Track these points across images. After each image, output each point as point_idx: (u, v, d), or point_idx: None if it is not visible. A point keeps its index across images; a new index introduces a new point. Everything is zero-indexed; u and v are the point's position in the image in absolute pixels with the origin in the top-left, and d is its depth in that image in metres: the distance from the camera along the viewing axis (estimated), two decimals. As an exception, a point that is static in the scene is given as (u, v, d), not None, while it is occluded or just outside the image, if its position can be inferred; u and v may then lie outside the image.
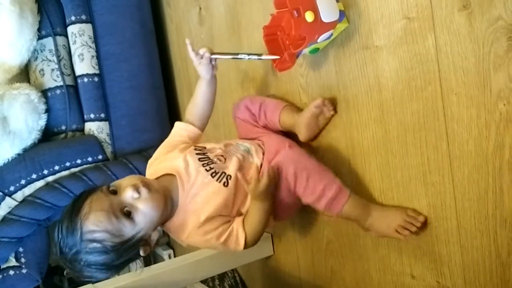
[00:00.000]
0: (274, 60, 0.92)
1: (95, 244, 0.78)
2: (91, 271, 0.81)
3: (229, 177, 0.92)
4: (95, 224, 0.78)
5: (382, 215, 0.85)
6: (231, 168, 0.93)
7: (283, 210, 0.94)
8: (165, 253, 1.98)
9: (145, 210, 0.82)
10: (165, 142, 1.04)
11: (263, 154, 0.99)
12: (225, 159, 0.96)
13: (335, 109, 0.95)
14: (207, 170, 0.92)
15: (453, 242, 0.77)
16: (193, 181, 0.90)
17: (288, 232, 1.20)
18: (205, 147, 0.99)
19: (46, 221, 1.49)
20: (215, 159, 0.95)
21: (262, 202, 0.88)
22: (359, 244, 0.97)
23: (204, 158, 0.95)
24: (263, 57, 0.91)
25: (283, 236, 1.23)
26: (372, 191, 0.91)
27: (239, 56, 0.97)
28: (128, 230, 0.81)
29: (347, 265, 1.02)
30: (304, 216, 1.10)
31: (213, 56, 0.99)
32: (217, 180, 0.91)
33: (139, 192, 0.82)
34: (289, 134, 1.05)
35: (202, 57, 0.99)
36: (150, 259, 2.05)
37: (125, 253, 0.81)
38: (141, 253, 0.84)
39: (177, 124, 1.07)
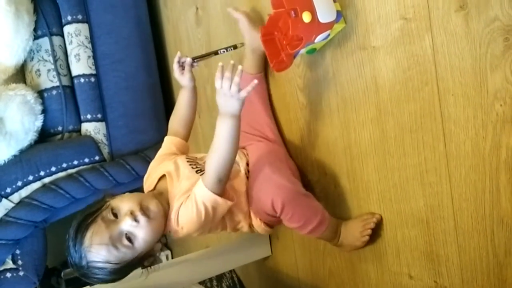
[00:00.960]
0: (271, 61, 0.92)
1: (99, 270, 0.85)
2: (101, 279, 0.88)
3: None
4: (97, 257, 0.84)
5: (346, 229, 0.94)
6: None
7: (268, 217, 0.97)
8: (162, 254, 1.98)
9: (144, 237, 0.85)
10: (156, 156, 1.07)
11: (247, 163, 1.00)
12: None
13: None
14: (193, 168, 0.96)
15: (451, 242, 0.77)
16: (181, 178, 0.93)
17: (286, 232, 1.19)
18: (196, 157, 1.03)
19: (43, 223, 1.48)
20: (203, 164, 0.97)
21: (227, 117, 0.83)
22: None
23: (193, 162, 0.99)
24: (238, 46, 0.98)
25: (281, 237, 1.23)
26: (370, 192, 0.91)
27: (219, 53, 1.02)
28: (129, 255, 0.85)
29: (345, 266, 1.02)
30: (302, 216, 1.09)
31: (195, 62, 1.01)
32: (200, 173, 0.94)
33: (137, 221, 0.84)
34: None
35: (183, 66, 1.01)
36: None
37: (128, 268, 0.88)
38: (146, 263, 0.90)
39: (166, 138, 1.09)
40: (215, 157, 0.84)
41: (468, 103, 0.70)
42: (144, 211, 0.85)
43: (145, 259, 0.89)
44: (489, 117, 0.68)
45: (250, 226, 1.00)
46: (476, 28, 0.67)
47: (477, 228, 0.73)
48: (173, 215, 0.89)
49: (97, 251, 0.83)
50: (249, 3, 1.19)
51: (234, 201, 0.90)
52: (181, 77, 1.02)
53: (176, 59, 1.01)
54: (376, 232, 0.91)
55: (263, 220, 0.98)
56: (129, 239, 0.84)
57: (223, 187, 0.87)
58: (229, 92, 0.81)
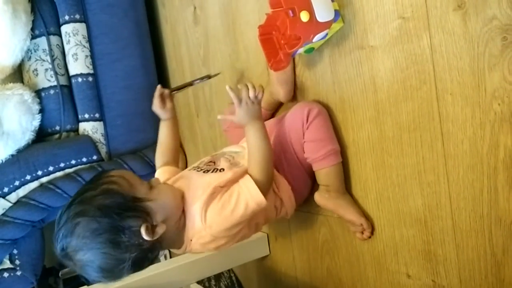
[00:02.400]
0: (269, 60, 0.92)
1: (108, 185, 0.79)
2: (87, 224, 0.75)
3: (222, 170, 0.94)
4: (116, 172, 0.83)
5: (345, 204, 0.93)
6: (222, 164, 0.96)
7: (295, 173, 0.97)
8: (160, 253, 1.98)
9: (163, 188, 0.87)
10: None
11: None
12: (214, 162, 0.98)
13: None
14: (198, 171, 0.95)
15: (449, 241, 0.78)
16: (192, 184, 0.91)
17: (284, 232, 1.19)
18: (196, 166, 1.01)
19: (41, 223, 1.48)
20: (205, 167, 0.96)
21: (253, 122, 0.88)
22: (355, 244, 0.97)
23: (196, 168, 0.98)
24: (212, 76, 1.00)
25: (279, 236, 1.23)
26: (368, 191, 0.91)
27: (193, 84, 1.06)
28: (143, 190, 0.83)
29: (343, 265, 1.02)
30: (300, 215, 1.10)
31: (173, 93, 1.02)
32: (210, 173, 0.93)
33: (161, 182, 0.89)
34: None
35: (164, 100, 1.04)
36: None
37: (130, 210, 0.78)
38: (143, 230, 0.77)
39: (157, 172, 1.07)
40: (257, 158, 0.88)
41: (466, 102, 0.70)
42: None
43: (144, 217, 0.79)
44: (487, 116, 0.68)
45: (276, 198, 0.97)
46: (474, 27, 0.67)
47: (475, 227, 0.73)
48: (197, 213, 0.84)
49: (120, 171, 0.84)
50: (248, 4, 1.19)
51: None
52: (161, 111, 1.05)
53: (157, 93, 1.03)
54: (374, 232, 0.91)
55: (291, 178, 0.97)
56: (151, 186, 0.85)
57: (269, 188, 0.90)
58: (250, 100, 0.88)
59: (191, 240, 0.87)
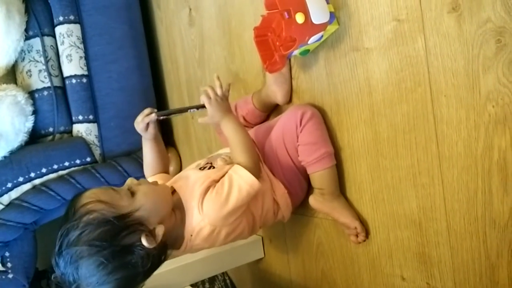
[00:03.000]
0: (265, 62, 0.92)
1: (88, 216, 0.73)
2: (89, 263, 0.72)
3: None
4: (88, 197, 0.76)
5: (339, 206, 0.93)
6: (218, 163, 0.96)
7: (290, 176, 0.97)
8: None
9: (145, 189, 0.82)
10: None
11: None
12: (211, 163, 0.98)
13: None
14: (195, 170, 0.95)
15: (443, 243, 0.78)
16: (190, 180, 0.91)
17: (279, 234, 1.19)
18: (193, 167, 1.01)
19: (33, 225, 1.46)
20: (202, 166, 0.97)
21: (225, 117, 0.92)
22: (349, 246, 0.97)
23: (193, 168, 0.98)
24: (202, 109, 0.95)
25: (273, 239, 1.23)
26: (363, 193, 0.91)
27: (182, 113, 1.05)
28: (125, 204, 0.78)
29: (338, 268, 1.01)
30: (295, 218, 1.09)
31: (160, 118, 0.99)
32: (206, 169, 0.94)
33: (139, 181, 0.85)
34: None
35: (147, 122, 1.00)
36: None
37: (123, 231, 0.75)
38: (144, 241, 0.75)
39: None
40: (239, 145, 0.91)
41: (461, 104, 0.70)
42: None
43: (140, 229, 0.77)
44: (481, 118, 0.68)
45: (274, 203, 0.97)
46: (469, 29, 0.67)
47: (469, 229, 0.73)
48: (195, 206, 0.84)
49: (92, 191, 0.77)
50: (244, 5, 1.19)
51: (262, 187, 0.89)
52: (143, 133, 1.02)
53: (142, 116, 1.01)
54: (368, 234, 0.91)
55: (287, 181, 0.97)
56: (132, 192, 0.80)
57: (258, 172, 0.90)
58: (218, 97, 0.92)
59: (191, 236, 0.86)
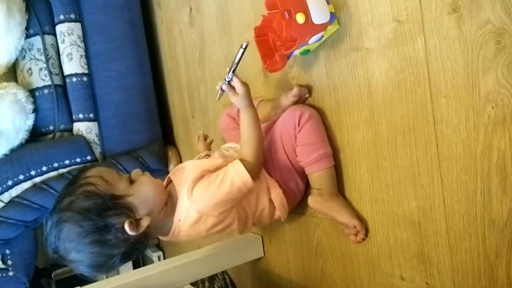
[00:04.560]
0: (265, 62, 0.92)
1: (85, 187, 0.79)
2: (72, 228, 0.77)
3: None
4: (92, 171, 0.83)
5: (338, 205, 0.93)
6: (215, 155, 1.00)
7: (287, 177, 0.97)
8: (154, 255, 1.97)
9: (144, 181, 0.87)
10: None
11: None
12: (209, 155, 1.03)
13: (310, 94, 1.00)
14: (193, 161, 0.99)
15: (442, 243, 0.78)
16: (187, 169, 0.93)
17: (279, 234, 1.19)
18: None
19: (34, 223, 1.47)
20: (210, 155, 1.02)
21: (248, 108, 0.92)
22: (349, 246, 0.97)
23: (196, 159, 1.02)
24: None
25: (273, 238, 1.23)
26: (362, 193, 0.91)
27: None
28: (122, 186, 0.83)
29: (337, 267, 1.02)
30: (294, 217, 1.10)
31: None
32: (202, 159, 0.99)
33: (143, 173, 0.89)
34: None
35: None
36: (139, 261, 2.04)
37: (111, 209, 0.79)
38: (127, 226, 0.79)
39: None
40: (249, 139, 0.91)
41: (460, 105, 0.70)
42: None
43: (127, 214, 0.81)
44: (480, 119, 0.68)
45: (270, 203, 0.97)
46: (468, 31, 0.67)
47: (468, 230, 0.73)
48: (185, 193, 0.86)
49: (98, 169, 0.84)
50: (244, 5, 1.20)
51: (255, 186, 0.90)
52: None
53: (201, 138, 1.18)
54: (368, 234, 0.91)
55: (283, 181, 0.97)
56: (132, 180, 0.86)
57: (258, 172, 0.92)
58: (243, 91, 0.91)
59: (179, 221, 0.89)
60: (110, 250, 0.80)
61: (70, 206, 0.78)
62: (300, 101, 0.99)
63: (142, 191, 0.85)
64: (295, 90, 0.97)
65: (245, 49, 0.85)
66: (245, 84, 0.91)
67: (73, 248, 0.78)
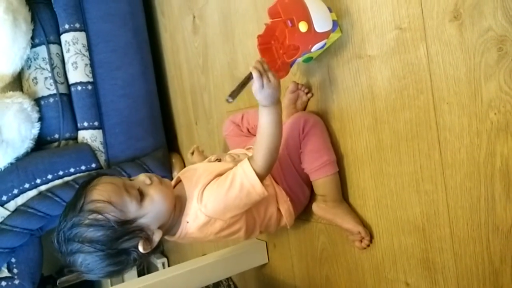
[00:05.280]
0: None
1: (95, 215, 0.76)
2: (86, 257, 0.78)
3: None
4: (100, 194, 0.78)
5: (342, 212, 0.93)
6: (227, 159, 0.99)
7: (293, 184, 0.97)
8: (159, 261, 1.97)
9: (154, 196, 0.83)
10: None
11: None
12: (220, 159, 1.01)
13: (310, 91, 1.00)
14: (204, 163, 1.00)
15: (447, 249, 0.78)
16: (198, 171, 0.93)
17: (283, 240, 1.20)
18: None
19: (39, 231, 1.47)
20: (218, 158, 1.01)
21: (274, 105, 0.82)
22: (353, 251, 0.97)
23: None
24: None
25: (277, 244, 1.23)
26: (366, 199, 0.91)
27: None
28: (133, 209, 0.80)
29: (342, 273, 1.02)
30: (299, 224, 1.10)
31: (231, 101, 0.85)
32: (213, 162, 0.99)
33: (151, 180, 0.85)
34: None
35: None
36: (144, 268, 2.04)
37: (124, 236, 0.78)
38: (140, 247, 0.80)
39: None
40: (266, 142, 0.84)
41: (463, 111, 0.71)
42: (157, 178, 0.88)
43: (141, 236, 0.81)
44: (483, 125, 0.68)
45: (277, 211, 0.98)
46: (470, 38, 0.68)
47: (472, 235, 0.73)
48: (196, 195, 0.85)
49: (104, 187, 0.79)
50: (247, 13, 1.21)
51: (267, 194, 0.87)
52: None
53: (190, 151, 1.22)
54: (372, 240, 0.91)
55: (289, 189, 0.97)
56: (141, 193, 0.82)
57: (266, 175, 0.87)
58: (272, 84, 0.81)
59: (188, 222, 0.88)
60: (125, 266, 0.83)
61: (79, 238, 0.77)
62: (299, 99, 1.01)
63: (154, 208, 0.83)
64: (291, 86, 0.98)
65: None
66: (267, 82, 0.81)
67: (89, 270, 0.81)
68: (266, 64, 0.82)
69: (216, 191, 0.85)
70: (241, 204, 0.86)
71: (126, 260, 0.81)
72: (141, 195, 0.82)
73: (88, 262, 0.79)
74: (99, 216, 0.77)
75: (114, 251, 0.79)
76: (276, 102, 0.83)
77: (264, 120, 0.84)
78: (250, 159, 0.86)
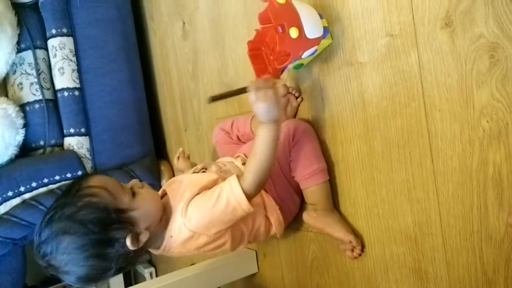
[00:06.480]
0: (258, 75, 0.91)
1: (90, 198, 0.76)
2: (71, 240, 0.75)
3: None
4: (97, 181, 0.80)
5: (333, 221, 0.92)
6: (212, 169, 0.97)
7: (282, 193, 0.95)
8: (146, 271, 1.94)
9: (146, 195, 0.85)
10: None
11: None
12: (206, 168, 1.00)
13: (300, 95, 0.99)
14: (189, 174, 0.97)
15: (439, 259, 0.77)
16: (184, 183, 0.91)
17: (273, 249, 1.18)
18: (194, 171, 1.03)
19: (22, 240, 1.44)
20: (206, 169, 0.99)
21: (271, 124, 0.80)
22: (344, 261, 0.96)
23: (194, 172, 1.00)
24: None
25: (267, 253, 1.21)
26: (357, 207, 0.90)
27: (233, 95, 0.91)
28: (126, 200, 0.81)
29: (333, 283, 1.00)
30: (289, 233, 1.08)
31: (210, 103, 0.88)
32: (198, 173, 0.96)
33: (143, 185, 0.87)
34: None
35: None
36: (131, 278, 2.00)
37: (114, 224, 0.77)
38: (128, 241, 0.78)
39: None
40: (258, 161, 0.82)
41: (455, 119, 0.70)
42: (148, 185, 0.89)
43: (129, 229, 0.79)
44: (475, 133, 0.68)
45: (266, 220, 0.96)
46: (462, 45, 0.67)
47: (465, 245, 0.72)
48: (180, 209, 0.84)
49: (101, 177, 0.82)
50: (237, 19, 1.20)
51: (253, 210, 0.84)
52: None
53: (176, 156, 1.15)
54: (364, 249, 0.90)
55: (279, 197, 0.95)
56: (133, 192, 0.83)
57: (255, 195, 0.84)
58: (268, 98, 0.78)
59: (171, 237, 0.86)
60: (108, 264, 0.79)
61: (72, 217, 0.75)
62: (289, 105, 0.99)
63: (144, 205, 0.83)
64: (281, 90, 0.96)
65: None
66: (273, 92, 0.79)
67: (71, 260, 0.76)
68: (270, 82, 0.80)
69: (201, 205, 0.84)
70: (225, 219, 0.84)
71: (111, 255, 0.77)
72: (133, 194, 0.84)
73: (73, 247, 0.74)
74: (94, 199, 0.77)
75: (103, 238, 0.76)
76: (273, 120, 0.80)
77: (259, 137, 0.82)
78: (239, 176, 0.84)
